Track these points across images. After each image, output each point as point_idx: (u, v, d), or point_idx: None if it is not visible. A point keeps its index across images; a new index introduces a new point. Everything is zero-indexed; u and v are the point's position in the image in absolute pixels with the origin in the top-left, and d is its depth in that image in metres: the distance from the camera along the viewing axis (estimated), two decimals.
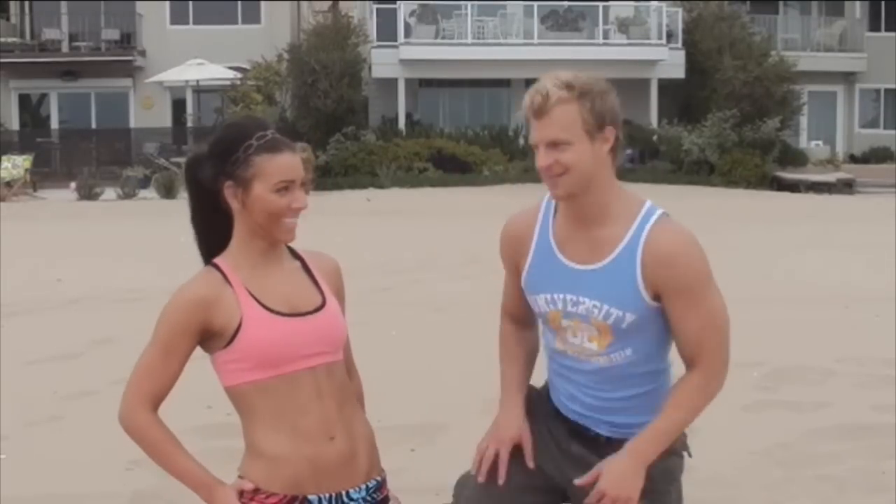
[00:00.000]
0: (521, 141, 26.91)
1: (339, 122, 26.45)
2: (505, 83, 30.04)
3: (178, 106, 30.43)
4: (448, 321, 9.09)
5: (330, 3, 29.49)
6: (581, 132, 2.53)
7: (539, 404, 2.85)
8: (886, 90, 32.82)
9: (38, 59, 29.70)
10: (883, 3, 32.44)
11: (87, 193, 24.43)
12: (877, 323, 8.62)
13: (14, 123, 30.57)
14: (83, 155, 28.46)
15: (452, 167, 26.31)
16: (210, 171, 2.42)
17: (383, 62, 27.89)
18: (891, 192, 25.60)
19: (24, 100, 31.30)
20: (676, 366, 2.73)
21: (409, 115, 28.51)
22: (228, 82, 27.07)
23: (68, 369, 7.45)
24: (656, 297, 2.59)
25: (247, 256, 2.44)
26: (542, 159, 2.55)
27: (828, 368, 7.12)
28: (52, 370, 7.41)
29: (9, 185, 24.96)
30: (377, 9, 28.47)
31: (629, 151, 27.79)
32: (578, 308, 2.65)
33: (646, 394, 2.73)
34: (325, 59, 26.32)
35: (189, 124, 29.72)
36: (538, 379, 2.90)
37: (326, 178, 24.27)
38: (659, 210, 2.63)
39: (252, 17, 30.43)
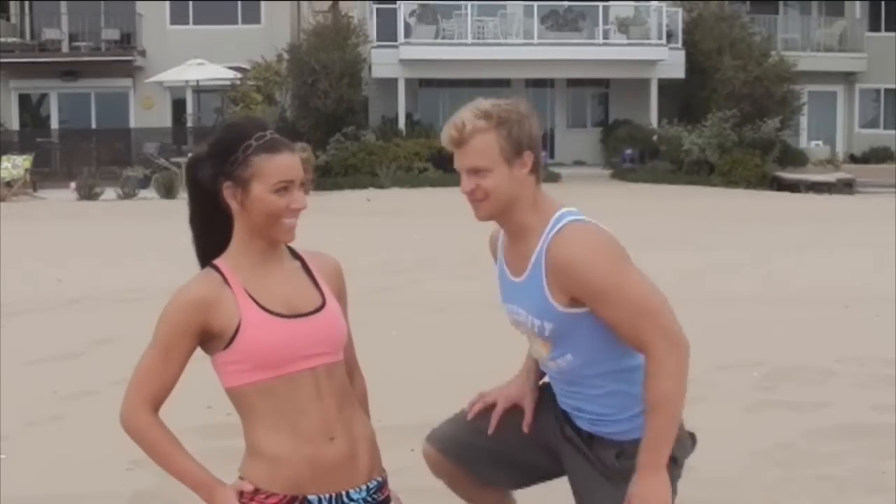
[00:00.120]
0: None
1: (339, 122, 26.45)
2: (505, 83, 30.03)
3: (178, 106, 30.43)
4: (448, 321, 9.09)
5: (330, 3, 29.48)
6: (499, 159, 2.70)
7: (552, 392, 3.03)
8: (886, 90, 32.83)
9: (38, 59, 29.71)
10: (883, 3, 32.44)
11: (87, 193, 24.43)
12: (877, 323, 8.62)
13: (14, 123, 30.57)
14: (83, 155, 28.46)
15: (452, 167, 26.17)
16: (209, 172, 2.42)
17: (383, 62, 27.89)
18: (891, 192, 25.59)
19: (24, 100, 31.31)
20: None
21: (409, 115, 28.51)
22: (228, 82, 27.07)
23: (68, 369, 7.44)
24: (574, 302, 2.68)
25: (246, 257, 2.44)
26: (465, 185, 2.75)
27: (828, 368, 7.11)
28: (52, 370, 7.41)
29: (9, 185, 24.96)
30: (377, 9, 28.47)
31: (629, 151, 27.82)
32: (519, 317, 2.84)
33: (611, 394, 2.81)
34: (325, 59, 26.32)
35: (189, 124, 29.72)
36: None
37: (326, 178, 24.28)
38: (568, 217, 2.72)
39: (252, 17, 30.43)
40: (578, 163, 30.25)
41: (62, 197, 24.38)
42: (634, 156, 27.72)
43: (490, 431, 3.01)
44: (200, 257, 2.53)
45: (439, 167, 26.11)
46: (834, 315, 9.23)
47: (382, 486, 2.53)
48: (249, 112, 24.73)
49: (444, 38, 28.39)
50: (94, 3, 30.06)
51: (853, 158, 31.40)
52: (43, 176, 26.98)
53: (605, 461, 2.83)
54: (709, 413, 5.93)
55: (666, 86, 28.81)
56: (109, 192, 24.51)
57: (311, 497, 2.40)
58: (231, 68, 27.07)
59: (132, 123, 30.36)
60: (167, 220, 15.92)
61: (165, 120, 30.23)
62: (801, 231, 16.56)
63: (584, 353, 2.77)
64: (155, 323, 2.42)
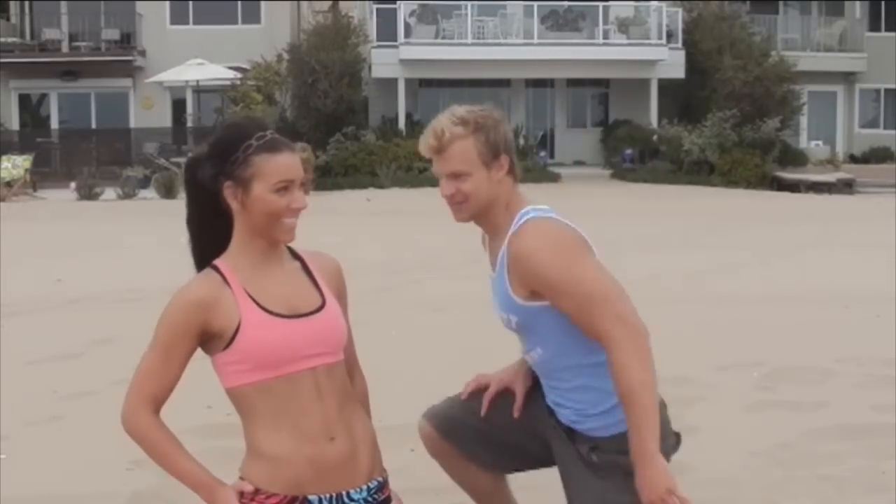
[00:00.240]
0: (521, 141, 26.89)
1: (339, 122, 26.44)
2: (505, 83, 30.03)
3: (178, 106, 30.43)
4: (448, 321, 9.09)
5: (330, 3, 29.48)
6: (478, 163, 2.82)
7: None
8: (886, 90, 32.82)
9: (38, 59, 29.70)
10: (883, 3, 32.43)
11: (87, 193, 24.43)
12: (877, 323, 8.61)
13: (14, 123, 30.56)
14: (83, 155, 28.44)
15: None
16: (209, 172, 2.42)
17: (383, 62, 27.88)
18: (891, 192, 25.58)
19: (24, 100, 31.30)
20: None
21: (409, 115, 28.50)
22: (228, 82, 27.06)
23: (68, 369, 7.44)
24: (534, 296, 2.77)
25: (247, 257, 2.44)
26: (445, 189, 2.87)
27: (828, 368, 7.11)
28: (52, 370, 7.41)
29: (9, 185, 24.95)
30: (377, 9, 28.46)
31: (629, 151, 27.82)
32: (497, 311, 2.96)
33: (580, 388, 2.86)
34: (325, 59, 26.31)
35: (189, 124, 29.71)
36: None
37: (326, 178, 24.26)
38: (531, 214, 2.82)
39: (252, 17, 30.42)
40: (578, 163, 30.24)
41: (62, 197, 24.38)
42: (634, 156, 27.71)
43: (483, 413, 3.09)
44: (197, 258, 2.53)
45: None
46: (834, 315, 9.23)
47: (383, 486, 2.53)
48: (249, 112, 24.72)
49: (444, 38, 28.38)
50: (94, 3, 30.06)
51: (853, 158, 31.39)
52: (43, 176, 26.96)
53: (583, 454, 2.89)
54: (709, 413, 5.93)
55: (666, 86, 28.80)
56: (109, 192, 24.50)
57: (311, 497, 2.40)
58: (231, 68, 27.06)
59: (132, 123, 30.35)
60: (167, 220, 15.89)
61: (165, 120, 30.23)
62: (801, 231, 16.55)
63: (552, 347, 2.85)
64: (155, 323, 2.42)
